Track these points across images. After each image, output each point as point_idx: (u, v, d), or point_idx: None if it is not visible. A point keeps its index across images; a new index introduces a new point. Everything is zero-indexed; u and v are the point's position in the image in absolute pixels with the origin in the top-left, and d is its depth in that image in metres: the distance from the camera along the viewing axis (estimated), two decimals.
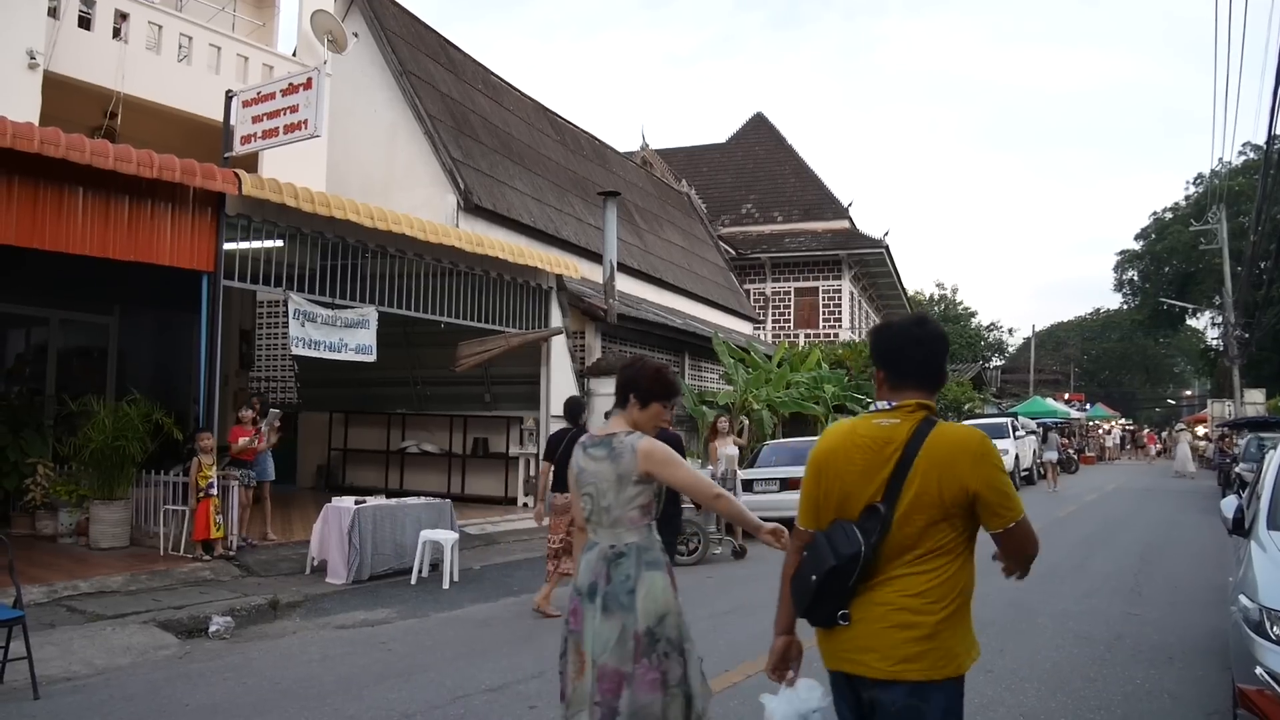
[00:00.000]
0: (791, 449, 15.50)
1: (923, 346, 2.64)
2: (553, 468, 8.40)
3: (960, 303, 70.99)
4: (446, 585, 9.22)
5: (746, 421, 12.82)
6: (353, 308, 11.35)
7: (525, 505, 14.97)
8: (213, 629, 7.34)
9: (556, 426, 15.29)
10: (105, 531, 9.91)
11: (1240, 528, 5.76)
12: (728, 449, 12.33)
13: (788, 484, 14.04)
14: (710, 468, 12.48)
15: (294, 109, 10.20)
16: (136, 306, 16.12)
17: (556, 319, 15.27)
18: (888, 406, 2.61)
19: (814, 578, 2.55)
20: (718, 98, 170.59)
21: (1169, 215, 52.53)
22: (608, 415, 3.58)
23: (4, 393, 12.48)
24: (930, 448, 2.47)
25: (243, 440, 10.63)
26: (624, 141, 31.34)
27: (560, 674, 3.45)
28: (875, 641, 2.47)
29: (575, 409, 8.91)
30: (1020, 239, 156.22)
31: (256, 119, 10.54)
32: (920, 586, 2.44)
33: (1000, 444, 23.90)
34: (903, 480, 2.47)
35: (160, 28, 13.73)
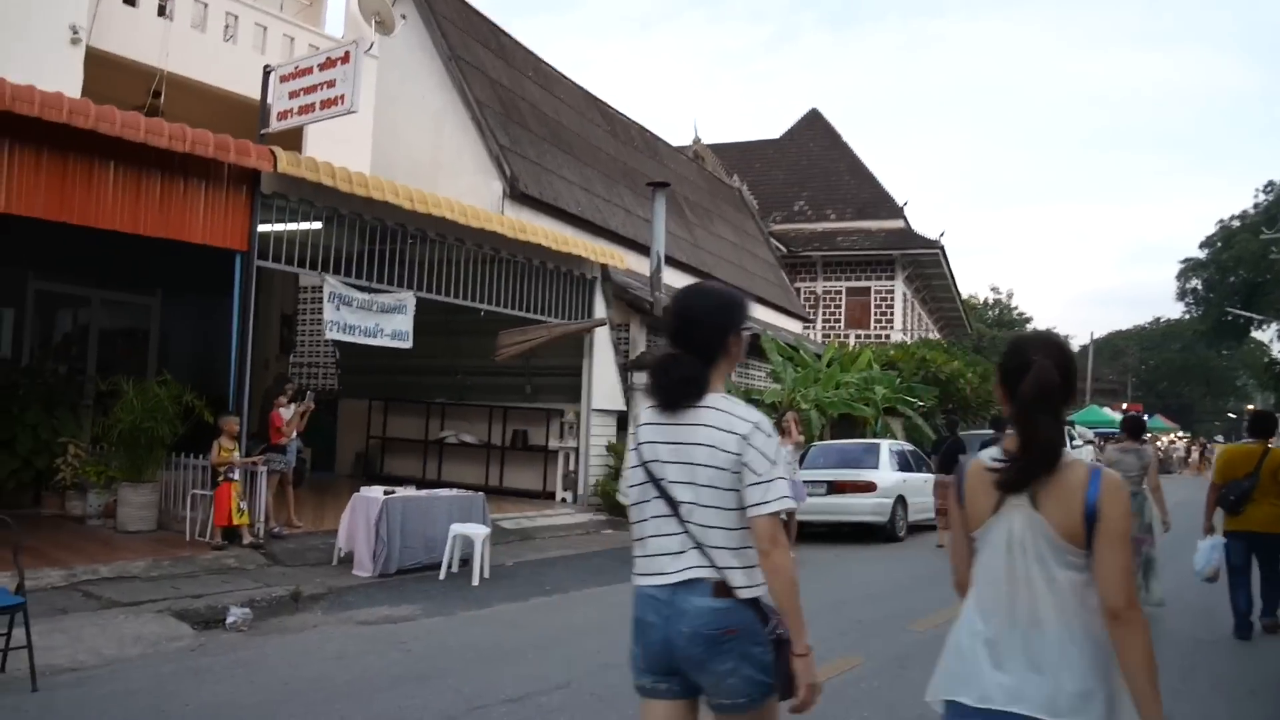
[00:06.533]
0: (840, 451, 14.95)
1: (1257, 422, 8.03)
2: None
3: (1015, 308, 69.53)
4: (476, 582, 8.84)
5: (796, 419, 12.22)
6: (390, 292, 11.03)
7: (564, 501, 14.59)
8: (230, 620, 7.02)
9: (598, 420, 15.02)
10: (132, 514, 9.68)
11: None
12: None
13: (835, 487, 13.50)
14: None
15: (331, 84, 9.87)
16: (179, 289, 15.98)
17: (600, 310, 14.86)
18: (1251, 440, 7.86)
19: (1232, 497, 7.45)
20: (772, 96, 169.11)
21: (1236, 223, 50.82)
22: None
23: (40, 370, 12.32)
24: (1270, 455, 7.40)
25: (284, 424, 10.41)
26: (676, 137, 30.86)
27: None
28: (1263, 519, 7.33)
29: (955, 448, 12.83)
30: (1079, 244, 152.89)
31: (294, 94, 10.24)
32: (1276, 501, 7.32)
33: None
34: (1260, 465, 7.37)
35: (206, 5, 13.55)
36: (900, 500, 13.67)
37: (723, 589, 2.50)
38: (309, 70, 10.06)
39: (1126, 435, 8.89)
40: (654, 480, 2.62)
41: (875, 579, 10.35)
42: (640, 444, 2.70)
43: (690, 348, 2.63)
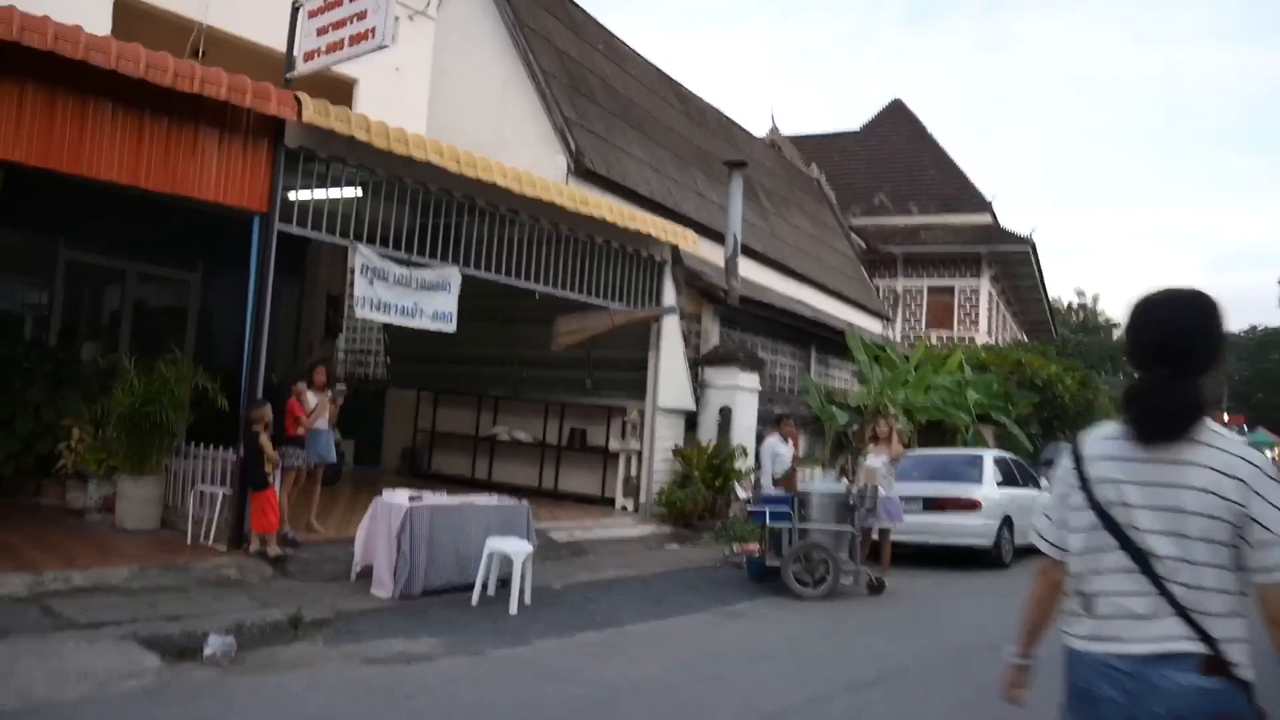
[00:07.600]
0: (936, 462, 13.26)
1: None
2: None
3: (1101, 312, 66.20)
4: (514, 609, 7.43)
5: (895, 426, 10.70)
6: (431, 267, 9.72)
7: (624, 509, 13.17)
8: (207, 651, 5.73)
9: (664, 421, 13.58)
10: (132, 511, 8.51)
11: None
12: (870, 460, 10.26)
13: (933, 504, 11.85)
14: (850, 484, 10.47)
15: (362, 15, 8.56)
16: (222, 263, 14.93)
17: (670, 297, 13.39)
18: None
19: None
20: (850, 92, 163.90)
21: None
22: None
23: (44, 345, 11.32)
24: None
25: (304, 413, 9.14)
26: (751, 130, 29.18)
27: None
28: None
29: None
30: (1167, 247, 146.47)
31: (321, 30, 8.96)
32: None
33: None
34: None
35: None
36: (1007, 521, 11.97)
37: (1214, 665, 2.10)
38: (339, 3, 8.80)
39: None
40: (1115, 528, 2.23)
41: (990, 620, 8.69)
42: (1095, 481, 2.28)
43: (1180, 367, 2.23)
